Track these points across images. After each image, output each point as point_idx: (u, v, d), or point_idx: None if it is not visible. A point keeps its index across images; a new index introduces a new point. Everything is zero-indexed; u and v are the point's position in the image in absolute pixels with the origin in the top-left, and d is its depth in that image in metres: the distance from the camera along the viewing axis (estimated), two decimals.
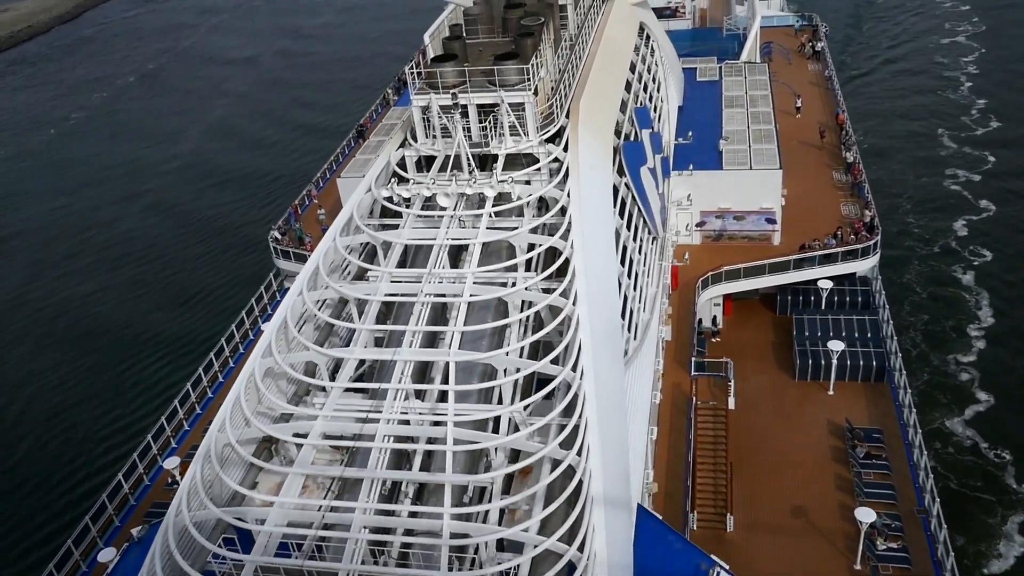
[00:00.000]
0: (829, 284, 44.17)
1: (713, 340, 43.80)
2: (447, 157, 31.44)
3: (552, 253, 28.26)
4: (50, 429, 55.27)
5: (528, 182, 31.53)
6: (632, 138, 38.00)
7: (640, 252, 35.44)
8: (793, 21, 80.00)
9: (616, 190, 34.72)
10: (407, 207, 30.38)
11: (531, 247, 28.22)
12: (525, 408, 23.92)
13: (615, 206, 33.29)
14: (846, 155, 53.33)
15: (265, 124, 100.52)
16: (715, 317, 46.08)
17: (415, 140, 32.79)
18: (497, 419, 23.98)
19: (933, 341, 52.07)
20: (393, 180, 30.19)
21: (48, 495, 49.95)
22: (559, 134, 32.53)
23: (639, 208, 35.89)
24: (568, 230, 28.56)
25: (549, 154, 31.47)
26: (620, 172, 35.06)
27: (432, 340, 25.79)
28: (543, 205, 30.84)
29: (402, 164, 33.04)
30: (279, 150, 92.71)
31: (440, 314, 26.73)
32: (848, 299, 45.35)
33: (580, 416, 23.77)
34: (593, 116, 34.19)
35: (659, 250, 40.03)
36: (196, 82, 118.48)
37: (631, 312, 32.12)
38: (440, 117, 31.68)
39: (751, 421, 38.88)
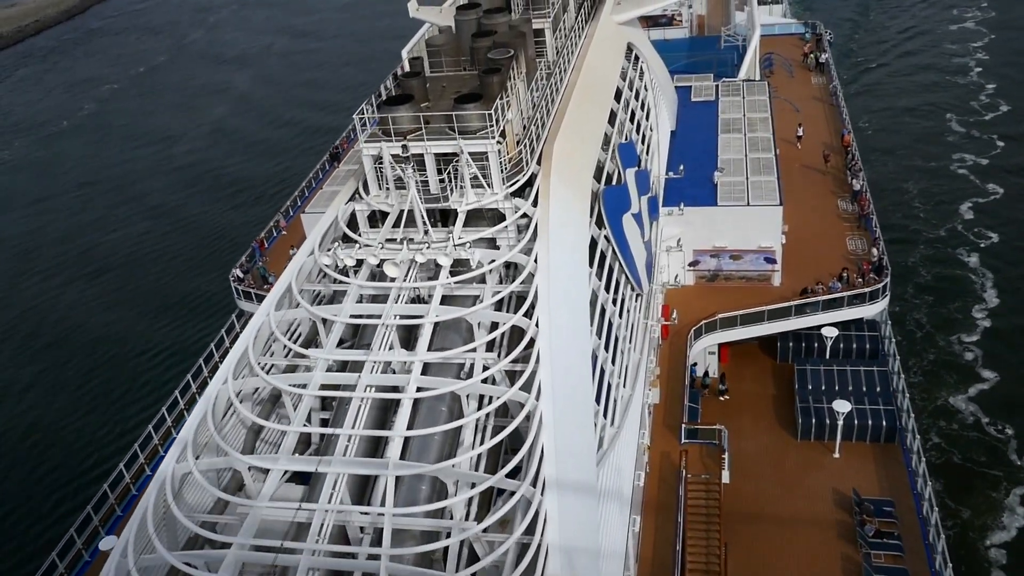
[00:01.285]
0: (834, 332, 40.76)
1: (721, 399, 40.20)
2: (402, 213, 28.11)
3: (518, 332, 24.86)
4: (54, 424, 55.81)
5: (494, 241, 28.23)
6: (615, 180, 34.54)
7: (621, 314, 32.00)
8: (796, 29, 76.30)
9: (595, 243, 31.30)
10: (355, 272, 27.01)
11: (494, 325, 24.85)
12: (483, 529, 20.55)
13: (592, 265, 29.87)
14: (852, 182, 49.78)
15: (271, 121, 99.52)
16: (709, 369, 42.54)
17: (367, 192, 29.43)
18: (446, 548, 20.60)
19: (938, 321, 52.86)
20: (336, 244, 26.71)
21: (51, 487, 50.92)
22: (530, 182, 29.17)
23: (620, 263, 32.40)
24: (534, 304, 25.15)
25: (516, 210, 28.09)
26: (599, 223, 31.58)
27: (374, 447, 22.39)
28: (510, 268, 27.49)
29: (354, 220, 29.73)
30: (284, 150, 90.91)
31: (384, 412, 23.33)
32: (855, 346, 41.91)
33: (541, 538, 20.40)
34: (569, 161, 30.77)
35: (644, 307, 36.53)
36: (201, 77, 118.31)
37: (608, 391, 28.67)
38: (393, 168, 28.27)
39: (748, 491, 35.45)
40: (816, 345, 42.06)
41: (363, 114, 28.83)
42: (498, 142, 28.38)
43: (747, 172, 44.97)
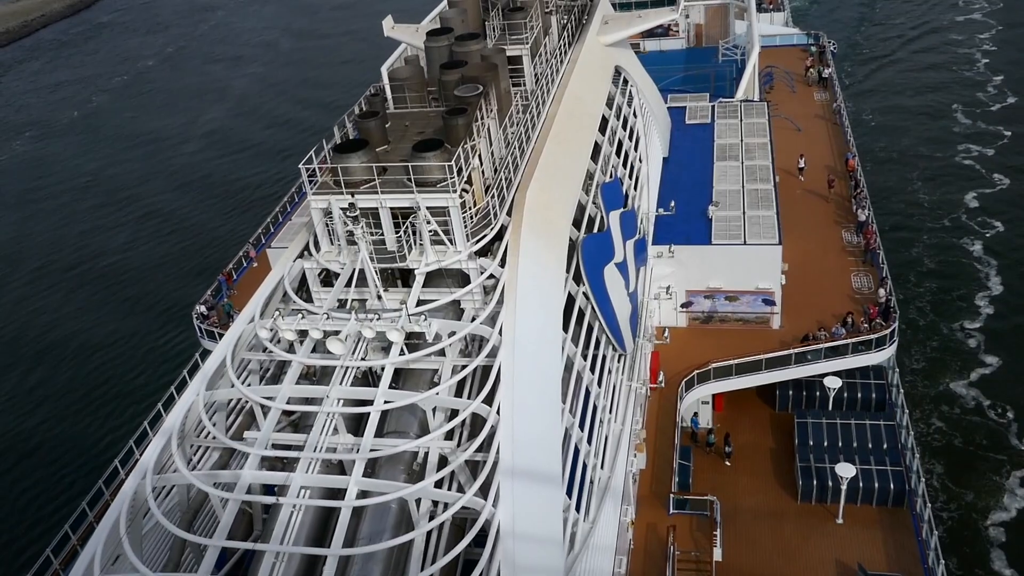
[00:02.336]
0: (837, 383, 37.98)
1: (727, 463, 37.38)
2: (356, 272, 25.39)
3: (479, 418, 22.11)
4: (34, 440, 54.64)
5: (458, 304, 25.47)
6: (597, 226, 31.69)
7: (600, 382, 29.16)
8: (799, 40, 73.41)
9: (571, 301, 28.48)
10: (301, 341, 24.23)
11: (454, 412, 22.10)
12: None
13: (568, 329, 27.05)
14: (857, 212, 46.91)
15: (276, 117, 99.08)
16: (700, 417, 39.73)
17: (317, 249, 26.65)
18: None
19: (941, 308, 53.48)
20: (278, 312, 23.91)
21: (28, 506, 49.74)
22: (500, 235, 26.40)
23: (601, 323, 29.58)
24: (496, 385, 22.39)
25: (482, 270, 25.28)
26: (578, 278, 28.77)
27: (308, 568, 19.61)
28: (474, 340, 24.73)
29: (305, 279, 26.99)
30: (290, 146, 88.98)
31: (324, 519, 20.55)
32: (860, 395, 39.12)
33: None
34: (544, 211, 28.00)
35: (629, 366, 33.70)
36: (207, 72, 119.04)
37: (583, 475, 25.86)
38: (344, 223, 25.49)
39: (744, 563, 32.63)
40: (818, 394, 39.29)
41: (311, 162, 26.06)
42: (464, 191, 25.70)
43: (744, 206, 42.14)
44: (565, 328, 27.01)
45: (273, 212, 55.30)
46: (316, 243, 26.62)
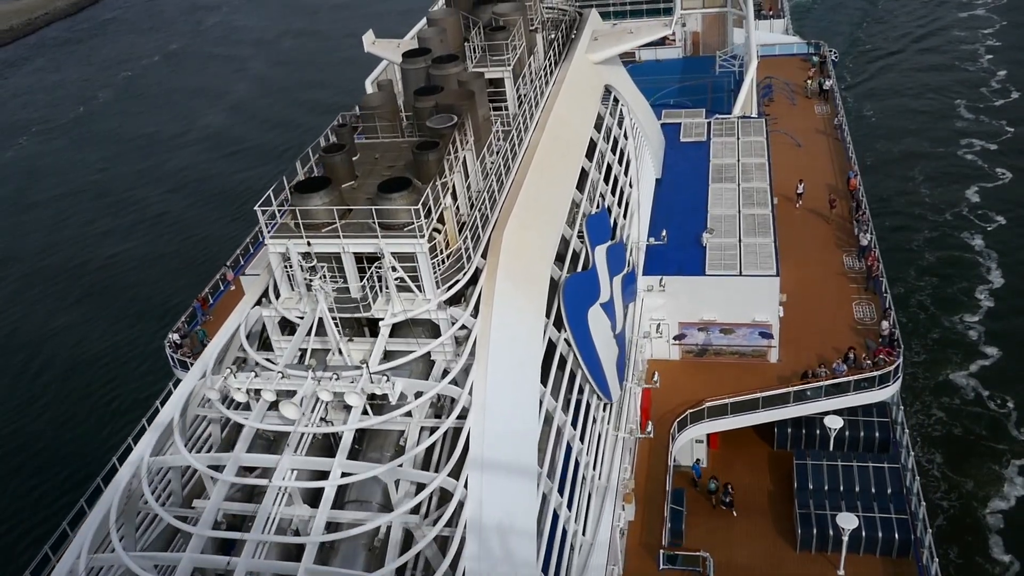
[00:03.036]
0: (839, 423, 36.16)
1: (733, 514, 35.24)
2: (317, 321, 23.60)
3: (445, 493, 20.35)
4: (31, 440, 54.50)
5: (429, 355, 23.68)
6: (582, 263, 29.85)
7: (584, 436, 27.33)
8: (799, 49, 71.54)
9: (552, 348, 26.66)
10: (257, 399, 22.44)
11: (420, 485, 20.33)
12: None
13: (547, 382, 25.24)
14: (859, 235, 45.05)
15: (281, 111, 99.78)
16: (695, 456, 37.91)
17: (276, 295, 24.85)
18: None
19: (942, 300, 53.74)
20: (230, 370, 22.08)
21: (28, 503, 49.41)
22: (475, 278, 24.62)
23: (584, 372, 27.74)
24: (464, 455, 20.61)
25: (453, 321, 23.49)
26: (559, 323, 26.94)
27: None
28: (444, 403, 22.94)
29: (264, 328, 25.21)
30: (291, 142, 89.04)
31: None
32: (862, 434, 37.29)
33: None
34: (522, 252, 26.21)
35: (615, 413, 31.85)
36: (214, 68, 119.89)
37: (563, 542, 24.03)
38: (304, 269, 23.73)
39: None
40: (818, 432, 37.47)
41: (270, 203, 24.25)
42: (436, 230, 23.99)
43: (740, 232, 40.26)
44: (544, 380, 25.23)
45: (253, 232, 53.45)
46: (276, 289, 24.85)
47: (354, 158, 27.76)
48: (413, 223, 22.74)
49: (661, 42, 73.24)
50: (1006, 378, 47.03)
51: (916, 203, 64.83)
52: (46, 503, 49.28)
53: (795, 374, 37.79)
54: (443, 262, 23.85)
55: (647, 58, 72.34)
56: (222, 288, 49.47)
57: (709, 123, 50.70)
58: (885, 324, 38.50)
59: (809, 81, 63.54)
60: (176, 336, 44.37)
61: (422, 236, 22.70)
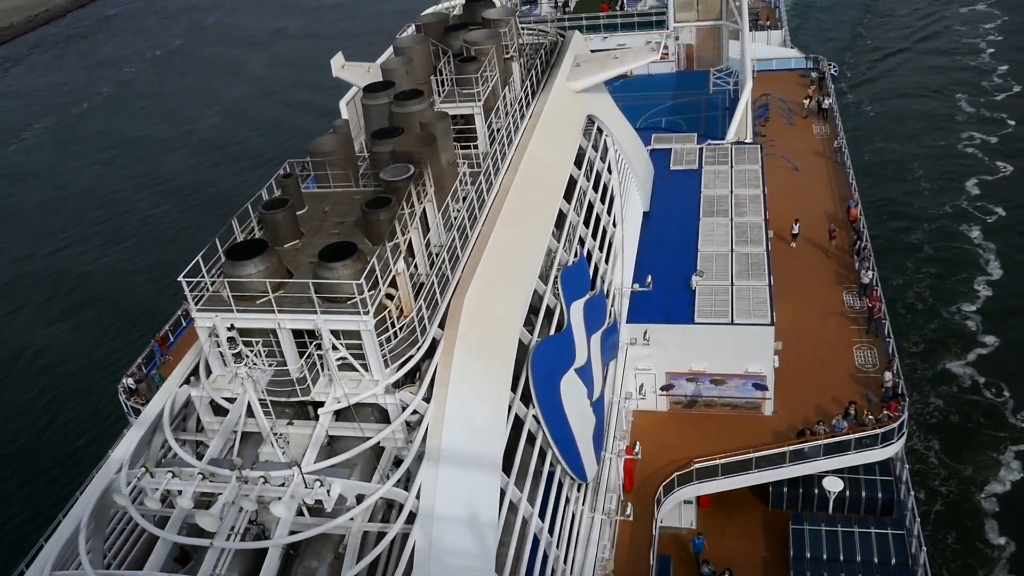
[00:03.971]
0: (839, 485, 33.73)
1: None
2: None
3: None
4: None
5: (378, 444, 21.12)
6: (555, 323, 27.26)
7: (553, 528, 24.73)
8: (797, 64, 69.04)
9: (519, 424, 24.08)
10: (178, 496, 19.84)
11: None
12: None
13: (512, 469, 22.67)
14: (860, 271, 42.55)
15: (287, 105, 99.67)
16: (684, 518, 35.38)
17: (207, 373, 22.25)
18: None
19: (940, 292, 54.28)
20: (145, 468, 19.47)
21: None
22: (431, 352, 22.10)
23: (555, 452, 25.15)
24: (410, 570, 18.06)
25: (403, 406, 20.96)
26: (527, 398, 24.36)
27: None
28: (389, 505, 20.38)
29: (193, 408, 22.61)
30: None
31: None
32: (864, 494, 34.76)
33: None
34: (485, 319, 23.67)
35: (591, 493, 29.22)
36: (212, 68, 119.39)
37: None
38: (234, 346, 21.19)
39: None
40: (816, 491, 34.92)
41: (199, 270, 21.64)
42: (388, 296, 21.42)
43: (732, 274, 37.67)
44: (508, 466, 22.65)
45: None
46: (208, 366, 22.25)
47: (301, 211, 25.30)
48: (359, 297, 20.13)
49: None
50: (1004, 367, 47.64)
51: (915, 194, 65.32)
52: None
53: (791, 428, 35.29)
54: (396, 335, 21.30)
55: (639, 73, 69.85)
56: (185, 324, 46.74)
57: (701, 149, 48.12)
58: (888, 375, 35.94)
59: (807, 100, 60.99)
60: (130, 381, 41.71)
61: (366, 312, 20.11)
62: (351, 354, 20.89)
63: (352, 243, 21.58)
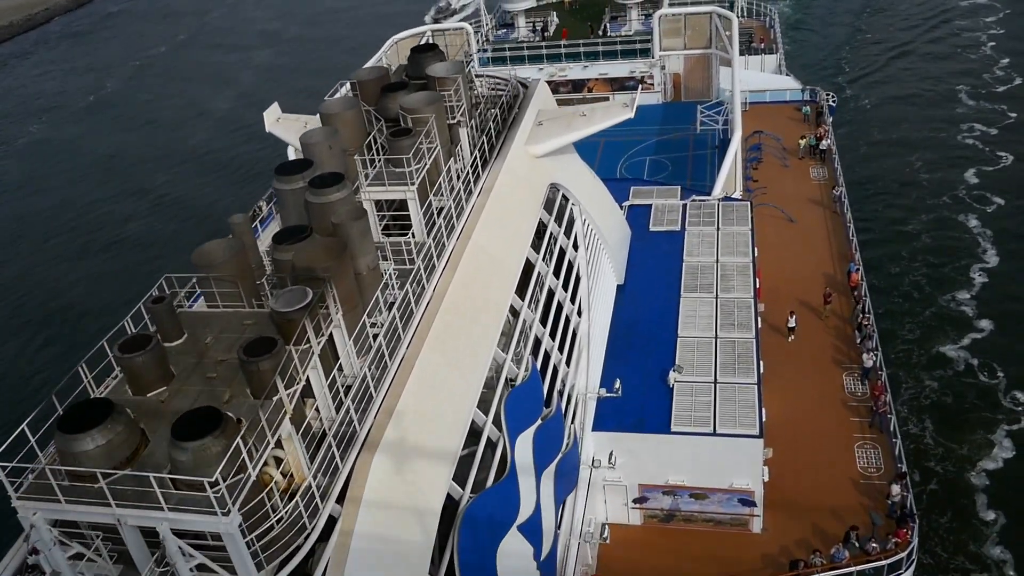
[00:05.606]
0: None
1: None
2: None
3: None
4: None
5: None
6: (494, 471, 22.76)
7: None
8: (793, 96, 64.77)
9: None
10: None
11: None
12: None
13: None
14: (863, 352, 38.21)
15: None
16: None
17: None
18: None
19: (937, 279, 54.76)
20: None
21: None
22: (330, 531, 17.81)
23: None
24: None
25: None
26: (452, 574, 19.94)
27: None
28: None
29: None
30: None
31: None
32: None
33: None
34: (398, 484, 19.24)
35: None
36: (219, 59, 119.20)
37: None
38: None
39: None
40: None
41: (34, 444, 17.22)
42: (270, 471, 17.09)
43: (716, 367, 33.23)
44: None
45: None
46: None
47: (176, 342, 20.85)
48: (212, 494, 15.71)
49: (637, 86, 66.80)
50: (998, 351, 48.37)
51: (913, 185, 66.04)
52: None
53: (783, 550, 30.89)
54: (279, 520, 16.93)
55: None
56: None
57: (685, 206, 43.71)
58: (896, 488, 31.50)
59: (803, 139, 56.68)
60: None
61: (226, 512, 15.69)
62: (215, 556, 16.53)
63: (215, 411, 17.08)
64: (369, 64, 60.58)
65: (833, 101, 65.23)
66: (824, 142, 56.13)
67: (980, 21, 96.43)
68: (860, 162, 69.26)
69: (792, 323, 38.76)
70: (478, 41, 68.83)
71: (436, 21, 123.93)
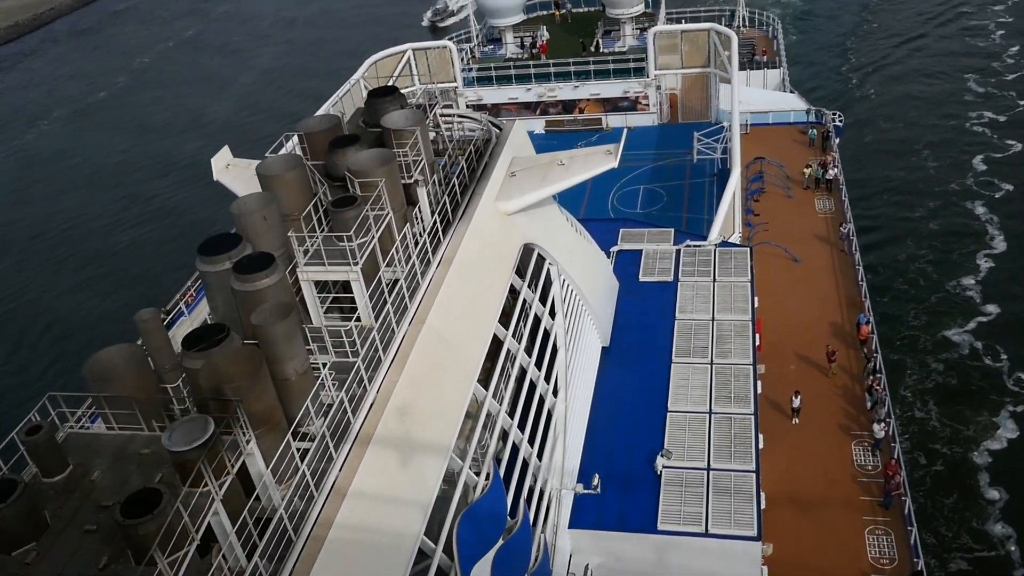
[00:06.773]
0: None
1: None
2: None
3: None
4: None
5: None
6: None
7: None
8: (797, 117, 61.54)
9: None
10: None
11: None
12: None
13: None
14: (874, 420, 35.01)
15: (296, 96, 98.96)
16: None
17: None
18: None
19: (944, 264, 55.61)
20: None
21: None
22: None
23: None
24: None
25: None
26: None
27: None
28: None
29: None
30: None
31: None
32: None
33: None
34: None
35: None
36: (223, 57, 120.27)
37: None
38: None
39: None
40: None
41: None
42: None
43: (710, 453, 30.00)
44: None
45: None
46: None
47: (57, 477, 17.72)
48: None
49: (632, 107, 63.72)
50: (1003, 334, 49.28)
51: (921, 171, 66.93)
52: None
53: None
54: None
55: (616, 125, 62.54)
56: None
57: (679, 252, 40.48)
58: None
59: (808, 170, 53.44)
60: None
61: None
62: None
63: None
64: (342, 90, 57.62)
65: (840, 120, 62.06)
66: (831, 171, 52.88)
67: (988, 9, 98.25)
68: (867, 150, 70.07)
69: (796, 403, 35.40)
70: (462, 59, 65.68)
71: (433, 23, 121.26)
